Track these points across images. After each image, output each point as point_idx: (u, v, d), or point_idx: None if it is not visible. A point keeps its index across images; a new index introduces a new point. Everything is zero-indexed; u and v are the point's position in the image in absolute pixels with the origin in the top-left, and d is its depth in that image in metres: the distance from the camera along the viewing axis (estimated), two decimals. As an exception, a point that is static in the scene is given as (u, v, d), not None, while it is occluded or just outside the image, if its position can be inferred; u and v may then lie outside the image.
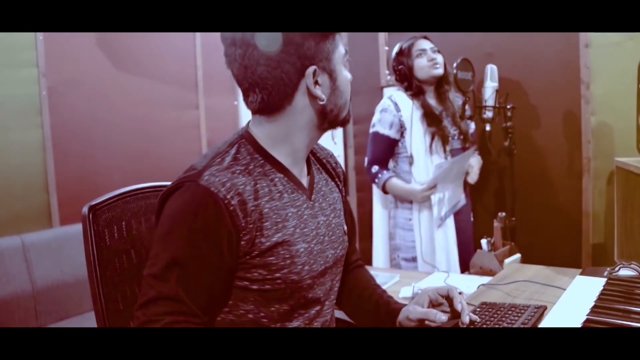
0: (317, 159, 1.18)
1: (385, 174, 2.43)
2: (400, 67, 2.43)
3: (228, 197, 0.94)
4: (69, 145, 2.59)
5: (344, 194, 1.23)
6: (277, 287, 1.00)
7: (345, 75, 1.06)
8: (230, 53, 1.00)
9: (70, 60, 2.60)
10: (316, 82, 1.01)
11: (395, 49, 2.46)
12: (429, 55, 2.38)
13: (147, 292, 0.93)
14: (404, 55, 2.42)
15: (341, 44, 1.05)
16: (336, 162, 1.23)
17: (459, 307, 1.08)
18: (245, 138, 1.05)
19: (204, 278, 0.95)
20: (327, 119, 1.06)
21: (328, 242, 1.09)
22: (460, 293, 1.11)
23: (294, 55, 0.98)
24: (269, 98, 1.00)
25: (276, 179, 1.03)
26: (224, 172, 0.96)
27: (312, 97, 1.02)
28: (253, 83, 0.99)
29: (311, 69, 0.99)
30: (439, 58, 2.39)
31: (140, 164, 2.83)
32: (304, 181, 1.09)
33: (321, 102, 1.02)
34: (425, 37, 2.45)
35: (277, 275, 0.99)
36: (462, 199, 2.50)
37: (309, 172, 1.12)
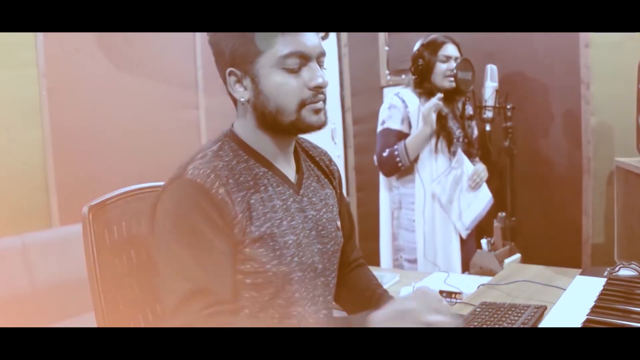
0: (309, 157, 1.19)
1: (399, 144, 2.32)
2: (420, 61, 2.36)
3: (215, 186, 0.95)
4: (69, 145, 2.58)
5: (338, 191, 1.22)
6: (269, 280, 1.00)
7: (275, 80, 0.99)
8: None
9: (70, 60, 2.59)
10: (239, 83, 1.02)
11: (424, 41, 2.38)
12: (451, 65, 2.34)
13: (170, 297, 0.91)
14: (430, 52, 2.35)
15: (283, 46, 0.97)
16: (330, 160, 1.23)
17: None
18: (229, 136, 1.06)
19: (220, 264, 0.94)
20: (266, 121, 1.02)
21: (315, 236, 1.09)
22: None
23: (218, 56, 1.04)
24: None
25: (260, 173, 1.03)
26: (207, 165, 0.98)
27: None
28: None
29: (228, 70, 1.02)
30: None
31: (140, 163, 2.82)
32: (292, 177, 1.09)
33: (242, 101, 1.03)
34: (456, 43, 2.39)
35: (268, 267, 1.00)
36: (486, 203, 2.49)
37: (299, 169, 1.12)
